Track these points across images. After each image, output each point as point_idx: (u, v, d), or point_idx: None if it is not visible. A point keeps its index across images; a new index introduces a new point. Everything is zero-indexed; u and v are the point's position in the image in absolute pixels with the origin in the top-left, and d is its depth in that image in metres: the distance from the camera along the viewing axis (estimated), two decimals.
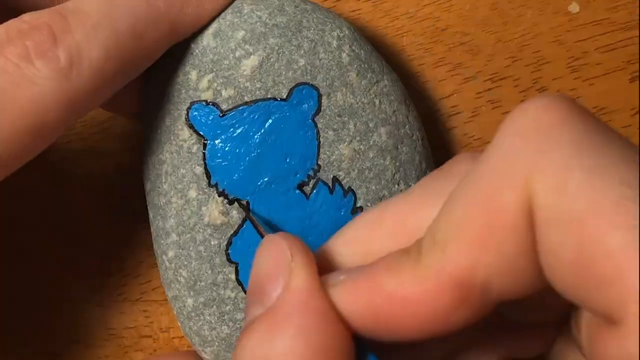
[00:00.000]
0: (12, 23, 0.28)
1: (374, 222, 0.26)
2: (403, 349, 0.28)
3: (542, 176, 0.21)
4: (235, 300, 0.32)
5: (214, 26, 0.32)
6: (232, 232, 0.32)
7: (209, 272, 0.32)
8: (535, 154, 0.21)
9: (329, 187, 0.32)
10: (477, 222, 0.22)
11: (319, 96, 0.32)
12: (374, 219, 0.27)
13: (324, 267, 0.26)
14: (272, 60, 0.31)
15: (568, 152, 0.21)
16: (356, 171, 0.32)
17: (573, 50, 0.39)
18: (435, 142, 0.37)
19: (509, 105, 0.39)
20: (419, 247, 0.23)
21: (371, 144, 0.32)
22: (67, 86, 0.27)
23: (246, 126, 0.31)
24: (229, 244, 0.32)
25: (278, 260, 0.25)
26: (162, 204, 0.33)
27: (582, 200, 0.20)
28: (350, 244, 0.27)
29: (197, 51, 0.32)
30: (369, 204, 0.32)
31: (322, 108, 0.32)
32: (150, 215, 0.34)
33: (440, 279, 0.22)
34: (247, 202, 0.32)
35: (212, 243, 0.32)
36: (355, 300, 0.24)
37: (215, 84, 0.31)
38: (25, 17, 0.28)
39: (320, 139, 0.32)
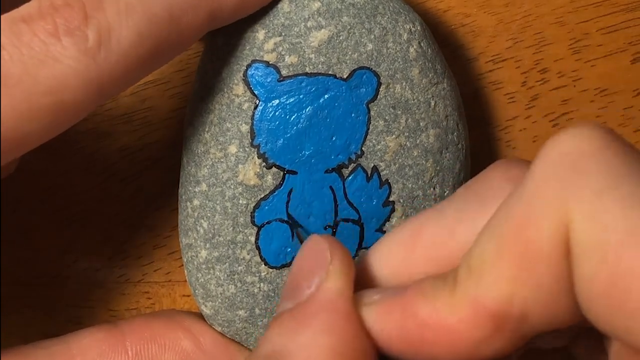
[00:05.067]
0: None
1: (410, 242, 0.27)
2: None
3: (577, 206, 0.21)
4: (249, 263, 0.32)
5: None
6: (262, 195, 0.32)
7: (230, 229, 0.32)
8: (570, 183, 0.21)
9: (367, 174, 0.32)
10: (512, 254, 0.22)
11: (378, 84, 0.32)
12: (409, 237, 0.27)
13: (361, 278, 0.26)
14: (341, 38, 0.31)
15: (604, 182, 0.21)
16: (397, 166, 0.32)
17: (575, 31, 0.39)
18: None
19: (510, 87, 0.39)
20: (454, 275, 0.23)
21: (417, 142, 0.32)
22: (93, 67, 0.26)
23: (301, 96, 0.31)
24: (257, 206, 0.32)
25: (317, 260, 0.25)
26: (199, 151, 0.32)
27: (618, 230, 0.20)
28: (386, 261, 0.27)
29: (269, 11, 0.31)
30: (401, 200, 0.33)
31: (378, 96, 0.32)
32: (184, 160, 0.34)
33: (475, 309, 0.22)
34: (296, 224, 0.32)
35: (240, 202, 0.32)
36: (388, 322, 0.24)
37: (281, 48, 0.31)
38: None
39: (370, 126, 0.32)
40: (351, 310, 0.24)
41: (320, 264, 0.25)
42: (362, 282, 0.27)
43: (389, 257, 0.27)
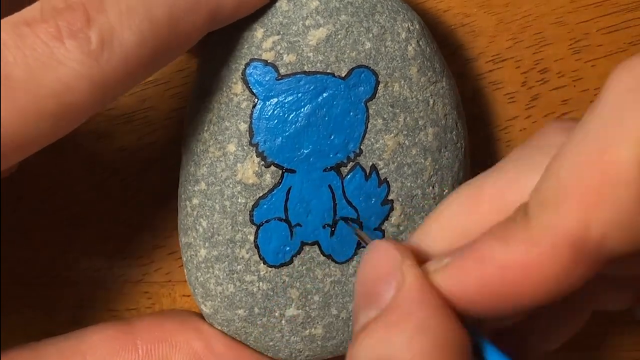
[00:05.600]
0: (48, 0, 0.27)
1: (471, 201, 0.27)
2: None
3: None
4: (248, 262, 0.32)
5: None
6: (261, 194, 0.32)
7: (229, 228, 0.32)
8: None
9: (365, 173, 0.32)
10: (590, 179, 0.22)
11: (377, 82, 0.32)
12: (470, 196, 0.27)
13: (423, 255, 0.27)
14: (339, 36, 0.31)
15: None
16: (395, 164, 0.32)
17: (575, 31, 0.39)
18: None
19: (510, 87, 0.39)
20: (524, 211, 0.23)
21: (416, 141, 0.32)
22: (96, 69, 0.27)
23: (300, 95, 0.31)
24: (256, 205, 0.32)
25: (388, 264, 0.26)
26: (198, 150, 0.32)
27: None
28: (448, 227, 0.27)
29: (267, 10, 0.32)
30: (400, 199, 0.33)
31: (377, 95, 0.32)
32: (184, 159, 0.34)
33: (554, 240, 0.22)
34: (351, 220, 0.33)
35: (239, 201, 0.32)
36: (465, 278, 0.24)
37: (279, 47, 0.31)
38: None
39: (369, 124, 0.32)
40: (436, 300, 0.25)
41: (392, 266, 0.26)
42: (425, 254, 0.27)
43: (451, 221, 0.27)
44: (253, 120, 0.32)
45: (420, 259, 0.27)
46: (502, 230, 0.24)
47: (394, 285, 0.25)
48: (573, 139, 0.23)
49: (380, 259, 0.26)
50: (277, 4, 0.31)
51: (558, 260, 0.23)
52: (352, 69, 0.32)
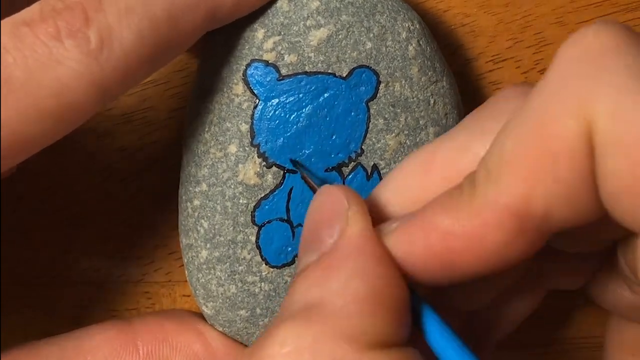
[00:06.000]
0: (47, 0, 0.27)
1: (423, 167, 0.27)
2: (449, 294, 0.29)
3: (600, 101, 0.21)
4: (250, 262, 0.32)
5: None
6: (262, 195, 0.32)
7: (231, 229, 0.32)
8: (592, 79, 0.21)
9: (367, 173, 0.32)
10: (532, 151, 0.22)
11: (378, 82, 0.32)
12: (422, 163, 0.27)
13: (375, 217, 0.26)
14: (340, 36, 0.31)
15: (625, 76, 0.21)
16: (397, 164, 0.32)
17: (575, 31, 0.38)
18: None
19: None
20: (471, 181, 0.23)
21: (417, 141, 0.32)
22: (96, 68, 0.27)
23: (301, 95, 0.31)
24: (257, 206, 0.32)
25: (334, 209, 0.25)
26: (199, 151, 0.32)
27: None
28: (400, 192, 0.27)
29: (268, 10, 0.31)
30: None
31: (378, 95, 0.32)
32: (184, 160, 0.34)
33: (496, 211, 0.22)
34: (297, 161, 0.32)
35: (241, 201, 0.32)
36: (411, 244, 0.24)
37: (280, 48, 0.31)
38: None
39: (370, 124, 0.32)
40: (378, 250, 0.24)
41: (338, 211, 0.25)
42: (378, 217, 0.27)
43: (403, 186, 0.27)
44: (254, 121, 0.32)
45: (377, 216, 0.26)
46: (449, 199, 0.24)
47: (337, 230, 0.25)
48: (519, 111, 0.23)
49: (327, 202, 0.26)
50: (278, 5, 0.31)
51: (500, 231, 0.23)
52: (353, 69, 0.32)
